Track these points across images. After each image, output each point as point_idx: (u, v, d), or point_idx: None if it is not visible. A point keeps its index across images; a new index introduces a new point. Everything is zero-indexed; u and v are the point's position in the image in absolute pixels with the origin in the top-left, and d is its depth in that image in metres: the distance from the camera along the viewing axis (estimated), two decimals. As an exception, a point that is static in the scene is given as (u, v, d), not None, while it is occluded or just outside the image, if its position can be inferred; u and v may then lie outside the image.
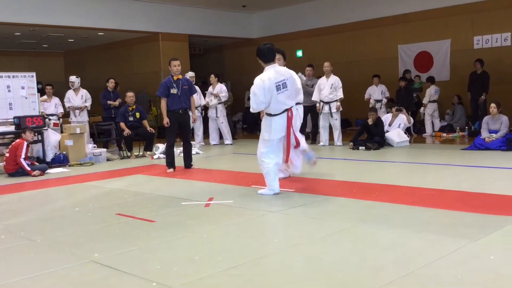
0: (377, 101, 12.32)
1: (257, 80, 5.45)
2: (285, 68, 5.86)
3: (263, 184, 6.24)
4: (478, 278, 2.96)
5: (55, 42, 16.54)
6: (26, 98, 9.67)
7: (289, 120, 5.48)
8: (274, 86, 5.36)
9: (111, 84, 11.47)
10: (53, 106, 11.11)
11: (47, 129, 9.39)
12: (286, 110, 5.48)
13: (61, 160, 9.28)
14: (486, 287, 2.84)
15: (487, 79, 11.38)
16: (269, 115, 5.51)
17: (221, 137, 12.08)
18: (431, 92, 12.02)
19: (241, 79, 13.82)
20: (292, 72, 5.77)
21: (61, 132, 10.13)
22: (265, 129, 5.57)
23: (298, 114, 5.92)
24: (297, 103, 5.96)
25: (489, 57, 11.75)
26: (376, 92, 12.41)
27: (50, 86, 11.27)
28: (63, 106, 11.36)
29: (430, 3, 13.01)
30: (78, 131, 9.66)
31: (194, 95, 8.48)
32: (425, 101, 12.11)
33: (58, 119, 10.95)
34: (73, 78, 11.37)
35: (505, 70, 11.88)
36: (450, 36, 12.90)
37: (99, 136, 11.33)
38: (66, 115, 11.64)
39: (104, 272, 3.36)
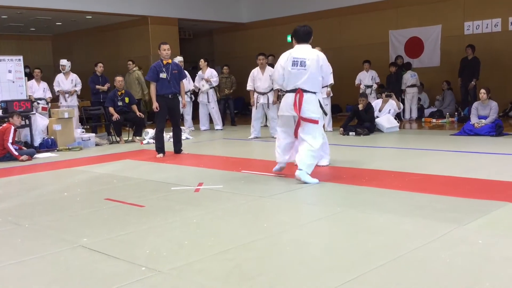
0: (368, 86, 12.32)
1: (284, 54, 5.68)
2: (315, 50, 5.75)
3: (254, 169, 6.25)
4: (466, 262, 2.98)
5: (42, 26, 16.29)
6: (13, 82, 9.55)
7: (295, 103, 5.43)
8: (290, 61, 5.48)
9: (99, 68, 11.35)
10: (41, 90, 10.98)
11: (34, 114, 9.29)
12: (296, 90, 5.45)
13: (49, 145, 9.20)
14: (474, 271, 2.86)
15: (477, 65, 11.41)
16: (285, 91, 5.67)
17: (211, 121, 12.05)
18: (406, 77, 12.09)
19: (231, 64, 13.72)
20: (321, 56, 5.64)
21: (49, 116, 10.03)
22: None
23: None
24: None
25: (479, 43, 11.76)
26: (366, 78, 12.40)
27: (38, 69, 11.12)
28: (51, 90, 11.24)
29: (421, -12, 12.97)
30: (66, 115, 9.57)
31: (184, 80, 8.41)
32: (403, 87, 12.16)
33: (47, 103, 10.84)
34: (64, 62, 11.25)
35: (495, 56, 11.90)
36: (441, 22, 12.88)
37: (88, 120, 11.24)
38: (54, 99, 11.53)
39: (93, 257, 3.34)
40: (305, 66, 5.45)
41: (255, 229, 3.86)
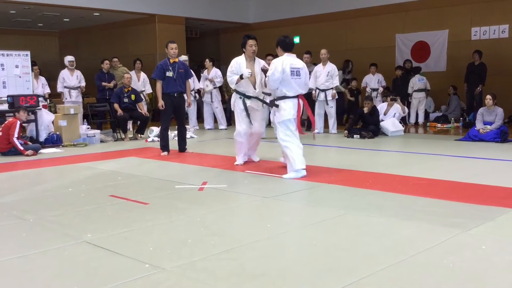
0: (373, 89, 12.31)
1: (277, 60, 6.00)
2: (298, 60, 6.20)
3: (258, 170, 6.27)
4: (469, 267, 2.98)
5: (50, 22, 16.34)
6: (20, 77, 9.58)
7: (299, 106, 5.95)
8: (289, 69, 5.84)
9: (105, 65, 11.38)
10: (40, 86, 11.01)
11: (40, 109, 9.33)
12: (297, 96, 5.95)
13: (54, 141, 9.23)
14: (477, 276, 2.86)
15: (484, 71, 11.38)
16: (281, 98, 5.93)
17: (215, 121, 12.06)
18: (413, 81, 12.05)
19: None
20: (304, 64, 6.19)
21: (55, 112, 10.06)
22: (280, 111, 5.94)
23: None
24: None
25: (486, 49, 11.73)
26: (372, 81, 12.39)
27: (36, 66, 11.03)
28: (49, 86, 11.29)
29: (428, -7, 12.95)
30: (72, 111, 9.60)
31: (189, 79, 8.42)
32: (409, 90, 12.11)
33: (45, 99, 10.84)
34: (72, 58, 11.28)
35: (502, 62, 11.86)
36: (448, 27, 12.85)
37: (93, 117, 11.27)
38: (56, 95, 11.56)
39: (97, 253, 3.36)
40: (300, 75, 5.96)
41: (259, 229, 3.87)
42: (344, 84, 12.59)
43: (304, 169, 5.79)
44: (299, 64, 6.00)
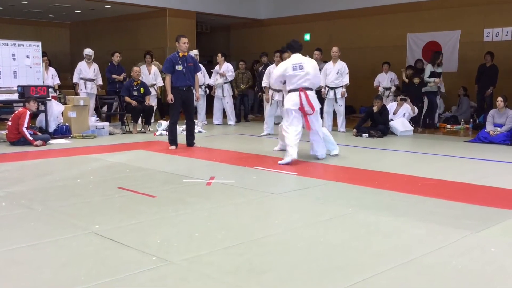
0: (386, 88, 12.24)
1: (283, 62, 7.04)
2: (306, 57, 6.89)
3: (266, 166, 6.27)
4: (478, 269, 2.96)
5: (61, 13, 16.39)
6: (31, 67, 9.61)
7: (301, 98, 6.52)
8: (291, 66, 6.61)
9: (116, 58, 11.41)
10: (50, 78, 11.04)
11: (50, 100, 9.36)
12: (298, 89, 6.55)
13: (63, 132, 9.27)
14: (486, 278, 2.84)
15: (495, 73, 11.27)
16: (288, 91, 6.73)
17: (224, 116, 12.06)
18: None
19: (247, 60, 13.69)
20: (312, 60, 6.89)
21: (64, 103, 10.09)
22: (284, 102, 6.86)
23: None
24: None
25: (498, 51, 11.62)
26: (385, 80, 12.31)
27: (45, 57, 11.02)
28: (58, 77, 11.34)
29: (441, -8, 12.85)
30: (82, 103, 9.63)
31: (198, 74, 8.41)
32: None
33: (55, 91, 10.88)
34: (90, 52, 11.31)
35: (513, 64, 11.76)
36: (460, 27, 12.74)
37: (102, 109, 11.30)
38: (68, 86, 11.60)
39: (104, 244, 3.36)
40: (303, 68, 6.64)
41: (266, 225, 3.86)
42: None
43: (292, 156, 6.40)
44: (302, 59, 6.69)
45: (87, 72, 11.24)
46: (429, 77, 11.00)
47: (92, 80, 11.28)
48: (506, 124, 8.60)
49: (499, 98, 8.80)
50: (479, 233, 3.60)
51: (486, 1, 12.22)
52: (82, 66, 11.28)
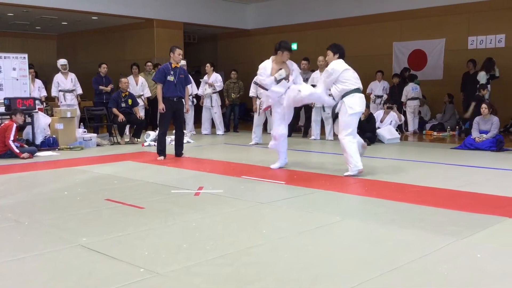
0: (378, 96, 12.35)
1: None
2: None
3: (254, 175, 6.28)
4: (464, 275, 2.99)
5: (48, 25, 16.34)
6: (17, 79, 9.57)
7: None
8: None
9: (103, 69, 11.38)
10: (36, 89, 10.99)
11: (37, 112, 9.31)
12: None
13: (50, 144, 9.21)
14: (472, 284, 2.86)
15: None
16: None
17: (213, 126, 12.07)
18: (407, 90, 12.05)
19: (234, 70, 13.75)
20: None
21: (51, 115, 10.04)
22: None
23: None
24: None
25: (483, 58, 11.76)
26: (378, 88, 12.43)
27: (32, 69, 10.97)
28: (45, 89, 11.29)
29: (426, 2, 13.01)
30: (69, 115, 9.59)
31: (188, 85, 8.44)
32: (403, 99, 12.12)
33: (41, 103, 10.81)
34: (65, 61, 11.26)
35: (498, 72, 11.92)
36: (445, 36, 12.92)
37: (90, 121, 11.26)
38: (51, 98, 11.55)
39: (91, 257, 3.35)
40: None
41: (254, 235, 3.87)
42: None
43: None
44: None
45: (64, 84, 11.16)
46: (487, 83, 11.02)
47: (71, 91, 11.19)
48: (491, 131, 8.71)
49: (484, 105, 8.91)
50: (465, 239, 3.64)
51: (470, 9, 12.41)
52: (59, 78, 11.17)
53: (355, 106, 6.23)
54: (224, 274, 3.02)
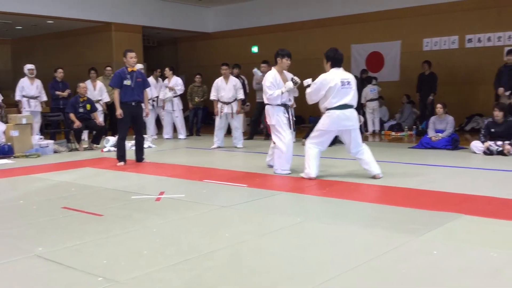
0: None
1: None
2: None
3: (216, 179, 6.26)
4: (421, 273, 3.05)
5: (2, 29, 15.86)
6: (-31, 86, 9.24)
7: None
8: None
9: (59, 74, 11.11)
10: None
11: (-9, 119, 9.02)
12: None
13: (5, 151, 8.93)
14: (429, 282, 2.93)
15: (434, 80, 11.74)
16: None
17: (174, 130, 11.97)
18: (366, 91, 12.28)
19: (196, 73, 13.67)
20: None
21: (6, 121, 9.74)
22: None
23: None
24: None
25: (437, 59, 12.13)
26: None
27: None
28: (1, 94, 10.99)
29: (382, 5, 13.28)
30: (24, 121, 9.32)
31: (147, 89, 8.34)
32: (362, 100, 12.33)
33: None
34: (32, 66, 10.94)
35: (452, 72, 12.30)
36: (401, 38, 13.23)
37: (47, 127, 10.98)
38: (11, 104, 11.22)
39: (48, 267, 3.26)
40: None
41: (216, 239, 3.85)
42: None
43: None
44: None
45: (29, 89, 10.86)
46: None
47: (35, 98, 10.92)
48: (447, 130, 8.96)
49: (439, 105, 9.17)
50: (422, 237, 3.73)
51: (424, 12, 12.74)
52: (24, 83, 10.89)
53: (326, 125, 6.19)
54: (185, 280, 3.00)
